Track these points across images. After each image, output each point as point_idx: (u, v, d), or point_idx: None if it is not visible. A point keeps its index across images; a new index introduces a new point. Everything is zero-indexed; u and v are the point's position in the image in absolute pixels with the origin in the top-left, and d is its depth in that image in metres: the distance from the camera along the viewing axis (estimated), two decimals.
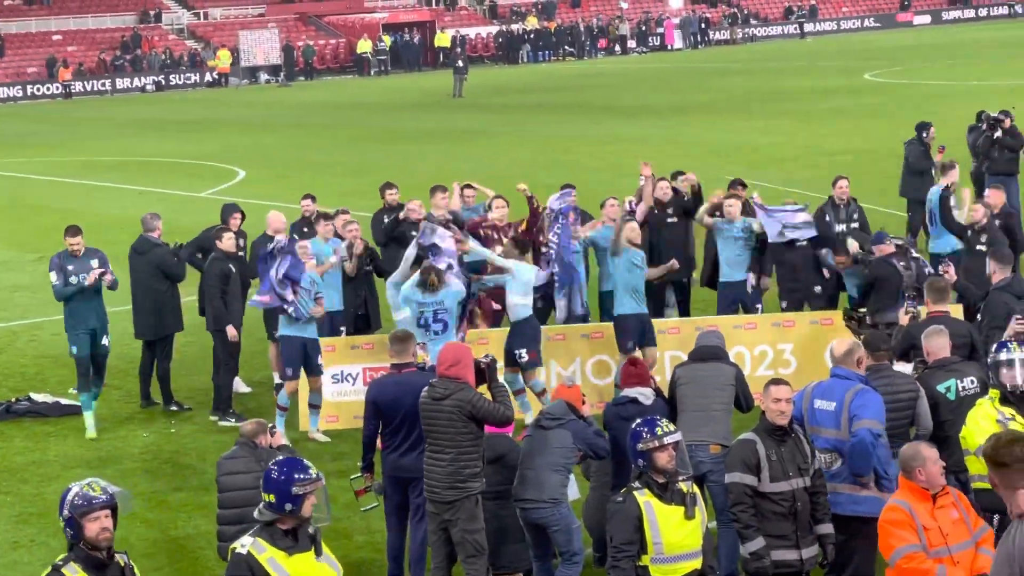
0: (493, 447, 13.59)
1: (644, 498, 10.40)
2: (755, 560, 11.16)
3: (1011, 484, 7.73)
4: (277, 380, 19.63)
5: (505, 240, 18.65)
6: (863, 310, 17.13)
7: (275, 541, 9.24)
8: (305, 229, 20.70)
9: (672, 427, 10.57)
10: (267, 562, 9.16)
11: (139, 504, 16.21)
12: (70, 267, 18.42)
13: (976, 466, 11.27)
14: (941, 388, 12.54)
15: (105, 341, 18.80)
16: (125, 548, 14.63)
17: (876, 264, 17.65)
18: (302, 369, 17.80)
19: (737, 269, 19.36)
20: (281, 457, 9.92)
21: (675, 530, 10.37)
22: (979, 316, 15.70)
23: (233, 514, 12.34)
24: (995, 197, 20.08)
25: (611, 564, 10.48)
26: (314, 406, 17.99)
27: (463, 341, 16.63)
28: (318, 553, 9.32)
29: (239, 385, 19.98)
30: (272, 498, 9.27)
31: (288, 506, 9.23)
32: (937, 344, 12.98)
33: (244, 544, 9.26)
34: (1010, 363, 11.64)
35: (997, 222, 19.41)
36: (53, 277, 18.52)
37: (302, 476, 9.29)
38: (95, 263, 18.47)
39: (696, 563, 10.48)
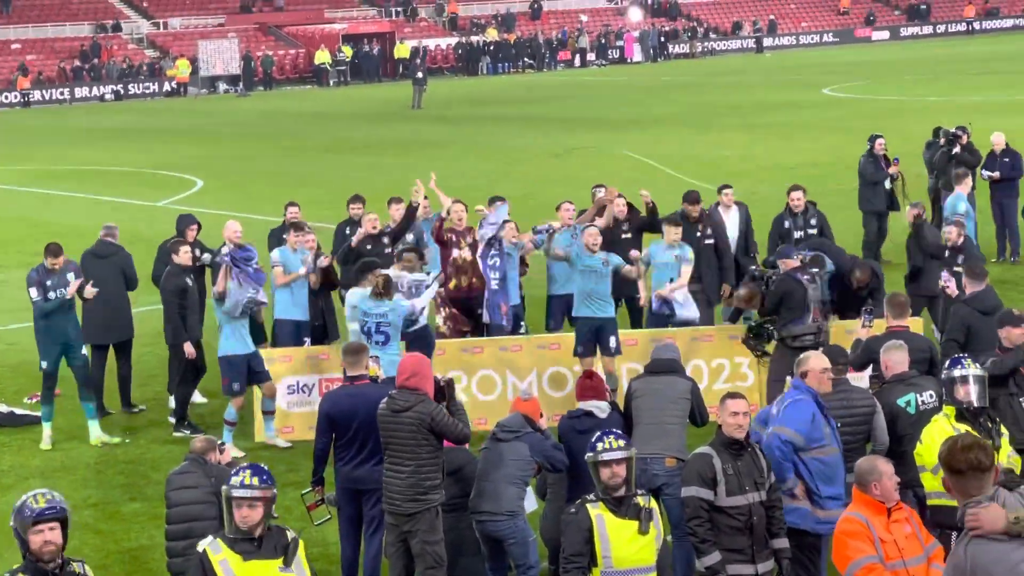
0: (450, 460, 13.56)
1: (596, 511, 10.40)
2: (711, 574, 11.16)
3: (965, 491, 7.75)
4: None
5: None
6: (770, 325, 17.19)
7: (234, 544, 9.23)
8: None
9: (619, 444, 10.55)
10: (219, 563, 9.16)
11: (92, 515, 16.14)
12: (48, 282, 18.24)
13: (931, 483, 11.31)
14: (901, 402, 12.58)
15: (84, 351, 18.68)
16: (78, 558, 14.61)
17: (781, 280, 17.35)
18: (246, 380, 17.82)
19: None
20: (244, 464, 9.91)
21: (626, 544, 10.36)
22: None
23: (181, 529, 12.29)
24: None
25: (560, 574, 10.50)
26: (268, 412, 17.97)
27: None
28: (286, 564, 9.25)
29: (195, 396, 19.88)
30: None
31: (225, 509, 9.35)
32: (896, 358, 13.04)
33: (204, 542, 9.32)
34: (964, 379, 11.68)
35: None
36: (33, 293, 18.24)
37: (265, 484, 9.34)
38: (71, 276, 18.34)
39: None
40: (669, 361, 13.77)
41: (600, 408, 13.13)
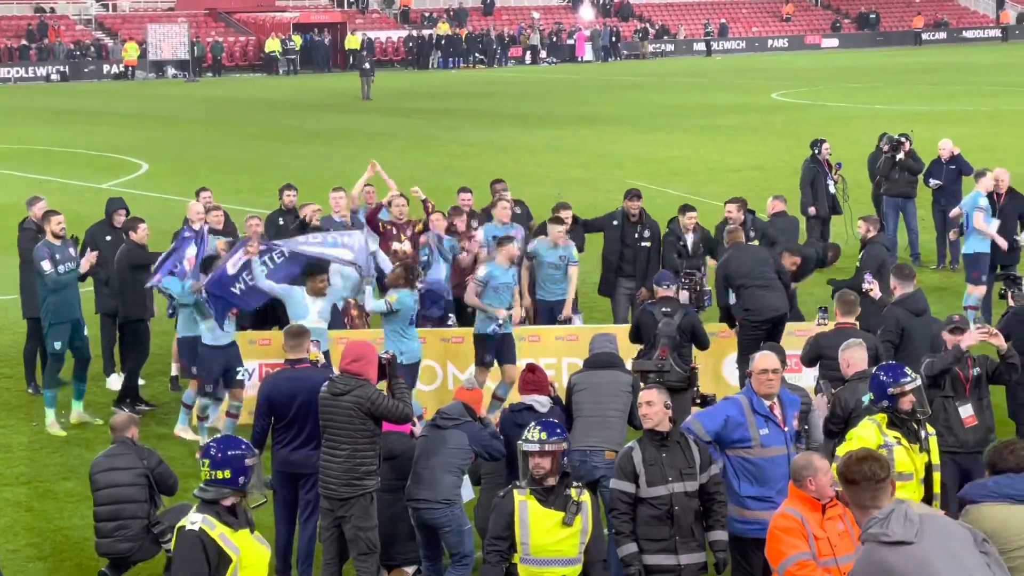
0: (388, 445, 13.57)
1: (521, 497, 10.49)
2: (625, 565, 11.23)
3: (859, 502, 7.84)
4: (174, 373, 19.47)
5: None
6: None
7: (221, 518, 9.19)
8: (281, 221, 20.77)
9: (542, 435, 10.60)
10: (219, 537, 9.11)
11: (26, 492, 16.04)
12: (57, 255, 18.03)
13: None
14: (865, 399, 12.63)
15: (85, 332, 18.47)
16: (10, 538, 14.57)
17: (640, 311, 16.84)
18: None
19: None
20: (218, 435, 9.86)
21: (546, 534, 10.43)
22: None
23: (110, 511, 12.25)
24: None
25: (483, 557, 10.65)
26: (232, 415, 17.27)
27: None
28: (252, 530, 9.32)
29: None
30: (226, 474, 9.20)
31: (241, 479, 9.22)
32: (857, 356, 13.30)
33: (195, 521, 9.16)
34: (908, 391, 11.62)
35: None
36: (46, 267, 17.87)
37: (251, 450, 9.38)
38: (72, 250, 18.19)
39: (568, 570, 10.54)
40: (610, 355, 13.85)
41: (540, 403, 13.16)
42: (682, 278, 17.30)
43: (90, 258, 18.34)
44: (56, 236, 18.11)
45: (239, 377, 17.21)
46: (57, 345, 18.20)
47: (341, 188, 20.93)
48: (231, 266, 17.12)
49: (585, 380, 13.63)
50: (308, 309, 16.76)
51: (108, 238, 19.61)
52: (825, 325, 15.97)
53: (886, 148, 26.71)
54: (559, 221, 19.56)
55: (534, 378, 13.44)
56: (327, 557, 12.55)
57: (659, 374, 15.07)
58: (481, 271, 18.11)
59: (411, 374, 16.73)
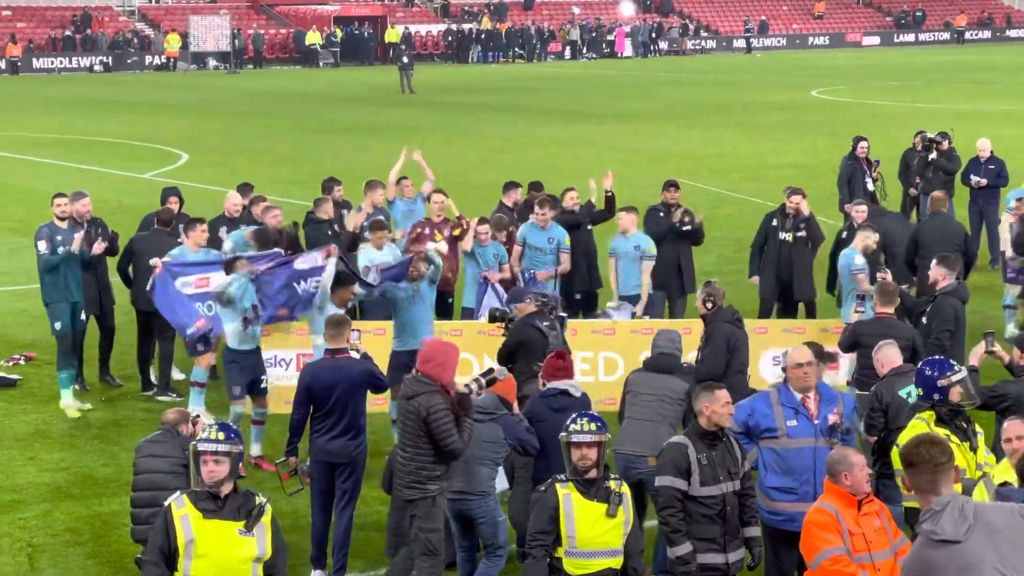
0: None
1: (564, 490, 10.45)
2: (681, 564, 11.20)
3: (919, 486, 7.83)
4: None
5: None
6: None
7: (198, 501, 9.29)
8: (344, 211, 20.67)
9: (592, 426, 10.58)
10: (179, 519, 9.23)
11: (65, 479, 16.18)
12: (58, 236, 18.18)
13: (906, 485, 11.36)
14: (903, 393, 12.65)
15: (83, 316, 18.60)
16: (49, 523, 14.70)
17: (517, 327, 15.53)
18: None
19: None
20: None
21: (592, 526, 10.41)
22: (924, 320, 15.88)
23: (145, 497, 12.32)
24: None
25: (525, 552, 10.57)
26: (259, 422, 16.89)
27: None
28: (248, 528, 9.30)
29: (176, 373, 19.83)
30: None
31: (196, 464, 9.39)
32: (890, 354, 13.29)
33: (172, 497, 9.38)
34: (956, 383, 11.64)
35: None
36: (41, 247, 18.10)
37: (204, 436, 9.42)
38: (77, 236, 18.32)
39: (613, 562, 10.52)
40: (670, 359, 13.63)
41: (574, 387, 13.18)
42: (536, 296, 15.99)
43: (99, 245, 18.41)
44: (59, 219, 18.29)
45: (263, 385, 16.79)
46: (57, 325, 18.32)
47: (380, 181, 21.02)
48: (300, 262, 17.19)
49: (641, 382, 13.48)
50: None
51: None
52: (863, 314, 16.02)
53: (919, 147, 26.68)
54: (545, 203, 19.81)
55: (563, 364, 13.42)
56: (400, 550, 12.69)
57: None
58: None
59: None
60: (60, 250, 18.12)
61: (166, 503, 9.35)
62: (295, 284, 17.15)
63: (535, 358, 14.79)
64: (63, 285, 18.28)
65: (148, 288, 17.84)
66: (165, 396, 18.84)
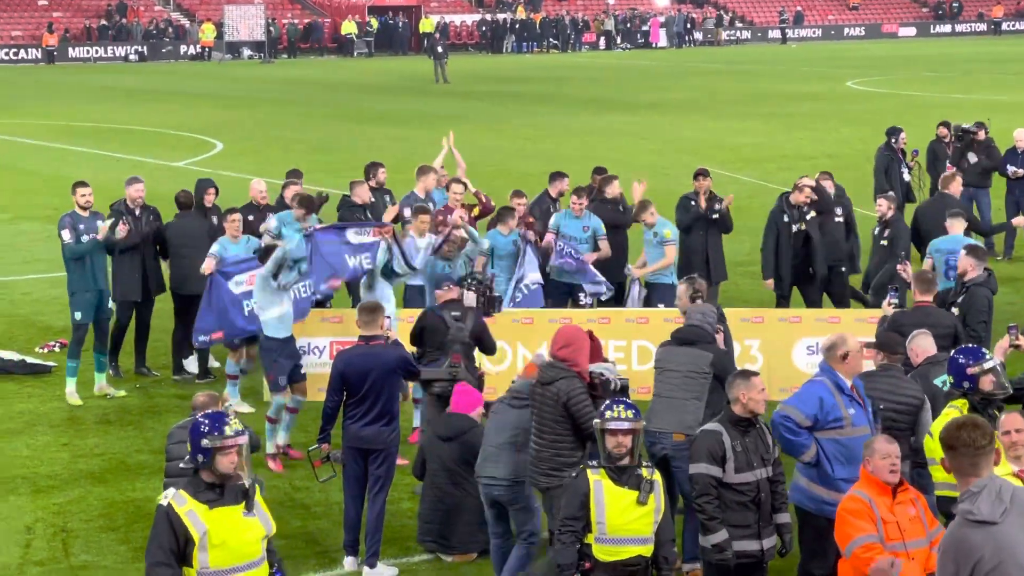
0: (453, 425, 13.64)
1: (596, 477, 10.42)
2: (717, 552, 11.18)
3: (959, 468, 7.80)
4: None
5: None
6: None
7: (197, 493, 9.23)
8: (372, 199, 20.58)
9: (628, 413, 10.53)
10: (186, 515, 9.16)
11: (99, 464, 16.25)
12: (81, 225, 18.27)
13: (939, 474, 11.30)
14: (938, 382, 12.59)
15: (109, 304, 18.66)
16: (83, 508, 14.77)
17: (423, 314, 15.86)
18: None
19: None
20: (209, 411, 9.90)
21: (622, 513, 10.38)
22: (955, 311, 15.80)
23: (178, 483, 12.34)
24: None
25: (556, 538, 10.54)
26: (293, 410, 16.68)
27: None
28: (248, 508, 9.30)
29: (211, 361, 19.89)
30: (189, 448, 9.34)
31: (200, 457, 9.24)
32: (924, 344, 13.22)
33: (167, 496, 9.27)
34: (988, 371, 11.58)
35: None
36: (65, 236, 18.18)
37: (217, 432, 9.28)
38: (100, 223, 18.40)
39: (643, 549, 10.49)
40: (695, 330, 13.44)
41: (609, 370, 13.13)
42: (469, 280, 16.19)
43: (121, 230, 18.47)
44: (82, 208, 18.36)
45: (302, 371, 16.69)
46: (78, 315, 18.38)
47: (431, 168, 21.07)
48: (353, 235, 17.26)
49: (665, 356, 13.35)
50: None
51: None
52: (896, 306, 15.93)
53: (946, 138, 26.60)
54: (579, 192, 19.97)
55: (595, 347, 13.35)
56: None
57: (451, 382, 14.49)
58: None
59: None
60: (84, 238, 18.20)
61: (164, 502, 9.24)
62: (347, 256, 17.30)
63: (435, 346, 15.25)
64: (89, 274, 18.35)
65: (207, 290, 18.00)
66: (203, 381, 18.91)
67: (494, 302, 16.35)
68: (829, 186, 20.67)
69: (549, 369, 12.20)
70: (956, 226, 18.86)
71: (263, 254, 17.03)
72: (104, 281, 18.53)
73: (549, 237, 19.90)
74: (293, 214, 18.78)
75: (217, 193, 20.24)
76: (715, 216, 20.26)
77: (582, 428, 11.98)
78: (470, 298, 15.87)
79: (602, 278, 19.56)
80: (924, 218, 21.40)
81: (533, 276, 19.05)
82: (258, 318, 16.58)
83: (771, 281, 20.21)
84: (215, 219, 19.60)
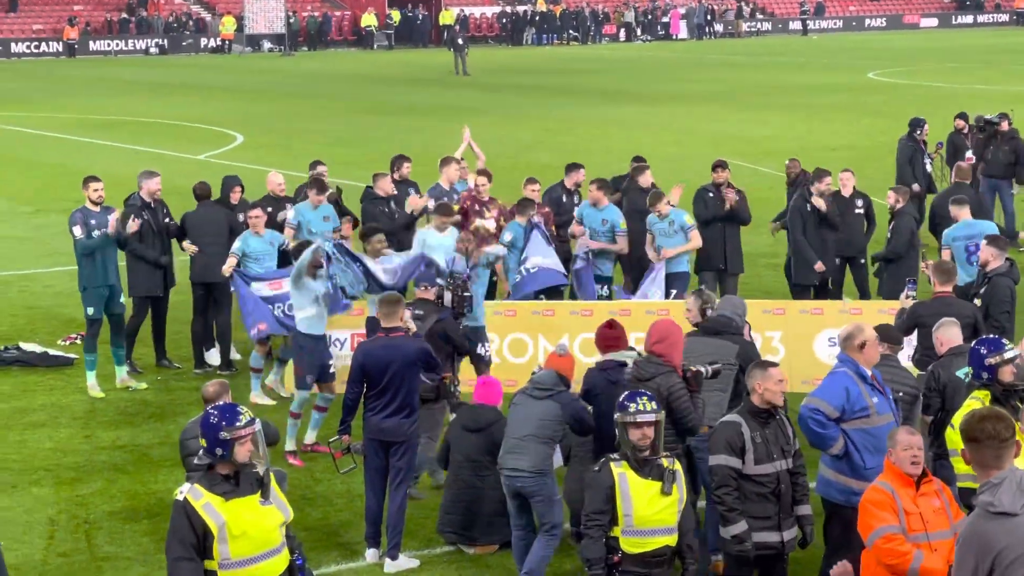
0: (478, 417, 13.63)
1: (619, 469, 10.40)
2: (736, 543, 11.16)
3: (981, 461, 7.78)
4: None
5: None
6: None
7: (213, 486, 9.22)
8: (395, 191, 20.54)
9: (651, 405, 10.50)
10: (203, 508, 9.15)
11: (122, 457, 16.28)
12: (92, 220, 18.32)
13: (960, 466, 11.26)
14: (960, 374, 12.53)
15: (121, 299, 18.69)
16: (106, 500, 14.80)
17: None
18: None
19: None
20: (221, 403, 9.89)
21: (648, 504, 10.36)
22: (977, 302, 15.75)
23: None
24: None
25: (582, 532, 10.51)
26: (322, 408, 16.53)
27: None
28: (264, 496, 9.30)
29: (232, 353, 19.94)
30: (204, 443, 9.29)
31: (219, 451, 9.23)
32: (951, 334, 13.13)
33: (182, 491, 9.26)
34: (1007, 361, 11.54)
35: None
36: (76, 232, 18.26)
37: (231, 422, 9.26)
38: (111, 217, 18.43)
39: (669, 539, 10.47)
40: (722, 321, 13.47)
41: (631, 357, 13.09)
42: (448, 280, 16.09)
43: (133, 225, 18.50)
44: (93, 203, 18.41)
45: (331, 371, 16.58)
46: (90, 311, 18.43)
47: (455, 158, 21.06)
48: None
49: (692, 348, 13.19)
50: None
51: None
52: (913, 297, 15.90)
53: (964, 130, 26.52)
54: (605, 186, 20.10)
55: (615, 334, 13.20)
56: None
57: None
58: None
59: (476, 336, 17.06)
60: (95, 233, 18.24)
61: (180, 496, 9.22)
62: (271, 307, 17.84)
63: None
64: (100, 269, 18.40)
65: (232, 289, 18.23)
66: (225, 373, 18.99)
67: (464, 301, 16.02)
68: (850, 180, 20.62)
69: (647, 365, 12.13)
70: (962, 212, 18.96)
71: (296, 250, 17.05)
72: (116, 276, 18.56)
73: (578, 227, 19.93)
74: (310, 200, 19.18)
75: (243, 191, 20.22)
76: (730, 209, 20.25)
77: (683, 422, 11.96)
78: (448, 298, 15.78)
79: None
80: (940, 209, 21.44)
81: (535, 260, 19.04)
82: (290, 319, 16.69)
83: (820, 264, 20.11)
84: (241, 216, 19.63)
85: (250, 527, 9.22)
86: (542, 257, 19.10)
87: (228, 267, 18.16)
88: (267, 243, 18.55)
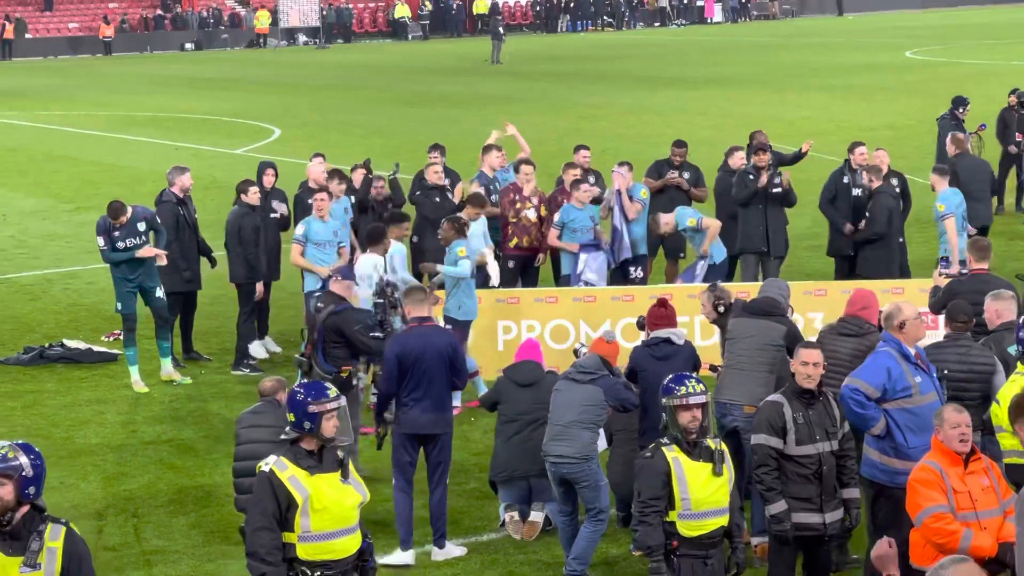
0: (531, 372, 13.62)
1: (672, 454, 10.37)
2: (775, 523, 11.17)
3: None
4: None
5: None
6: None
7: (298, 460, 9.51)
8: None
9: (700, 387, 10.48)
10: (288, 480, 9.42)
11: (167, 450, 16.35)
12: (116, 232, 18.33)
13: (1007, 441, 11.20)
14: (1012, 350, 12.42)
15: (159, 294, 18.69)
16: (153, 494, 14.86)
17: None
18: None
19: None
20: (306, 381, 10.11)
21: (703, 486, 10.35)
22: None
23: (249, 467, 12.37)
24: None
25: (639, 519, 10.42)
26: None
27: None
28: (344, 476, 9.57)
29: (270, 344, 19.99)
30: (293, 417, 9.56)
31: (307, 424, 9.51)
32: (1001, 307, 12.98)
33: (268, 462, 9.53)
34: None
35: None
36: (100, 242, 18.34)
37: (320, 396, 9.57)
38: (142, 226, 18.39)
39: (723, 520, 10.47)
40: (769, 302, 13.48)
41: (677, 335, 13.07)
42: (385, 285, 15.67)
43: (160, 255, 18.48)
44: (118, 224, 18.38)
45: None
46: (119, 306, 18.55)
47: (498, 147, 21.12)
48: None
49: (737, 328, 13.33)
50: None
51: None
52: (947, 275, 15.75)
53: (1015, 103, 26.35)
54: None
55: (665, 312, 13.36)
56: None
57: (307, 374, 14.66)
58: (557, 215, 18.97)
59: (465, 331, 17.01)
60: (120, 244, 18.24)
61: (266, 468, 9.48)
62: None
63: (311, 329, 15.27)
64: (126, 269, 18.42)
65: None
66: (241, 370, 19.08)
67: (387, 309, 15.33)
68: (885, 158, 20.51)
69: (851, 323, 13.00)
70: (939, 183, 19.53)
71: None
72: (145, 275, 18.46)
73: (638, 206, 19.91)
74: (331, 189, 19.30)
75: (276, 175, 20.25)
76: (776, 191, 20.16)
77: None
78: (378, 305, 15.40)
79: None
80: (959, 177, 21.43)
81: (589, 276, 19.06)
82: None
83: (849, 225, 20.05)
84: (274, 202, 19.69)
85: (331, 503, 9.47)
86: (596, 275, 19.14)
87: (296, 256, 18.24)
88: (331, 231, 18.51)
